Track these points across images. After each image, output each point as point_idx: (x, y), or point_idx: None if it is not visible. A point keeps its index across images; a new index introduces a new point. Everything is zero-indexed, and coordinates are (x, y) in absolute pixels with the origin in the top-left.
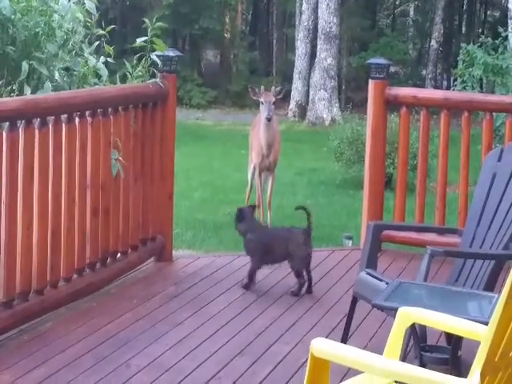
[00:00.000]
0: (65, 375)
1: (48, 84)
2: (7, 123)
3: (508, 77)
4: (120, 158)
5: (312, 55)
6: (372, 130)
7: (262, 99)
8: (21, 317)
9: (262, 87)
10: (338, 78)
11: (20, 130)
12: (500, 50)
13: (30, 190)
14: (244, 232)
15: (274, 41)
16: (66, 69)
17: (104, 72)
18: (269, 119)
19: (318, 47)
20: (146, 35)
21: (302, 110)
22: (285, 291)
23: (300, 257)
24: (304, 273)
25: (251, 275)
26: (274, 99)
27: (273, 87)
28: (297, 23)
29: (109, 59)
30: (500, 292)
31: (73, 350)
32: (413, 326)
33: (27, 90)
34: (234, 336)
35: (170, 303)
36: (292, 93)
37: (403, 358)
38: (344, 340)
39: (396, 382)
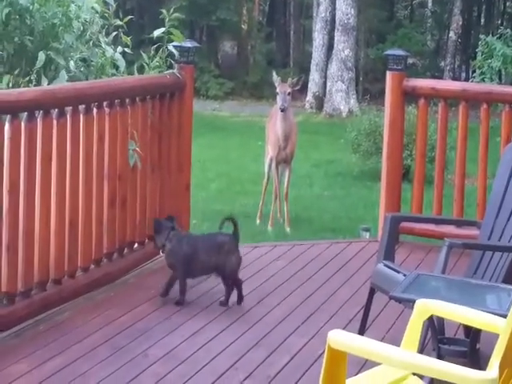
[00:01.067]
0: (81, 365)
1: (63, 73)
2: (25, 113)
3: None
4: (137, 149)
5: (329, 46)
6: (390, 122)
7: (277, 89)
8: (38, 306)
9: (279, 78)
10: (356, 70)
11: (38, 120)
12: None
13: (47, 180)
14: (161, 244)
15: (292, 32)
16: (84, 60)
17: (121, 63)
18: (282, 109)
19: (336, 38)
20: (163, 26)
21: (319, 101)
22: (300, 284)
23: (231, 264)
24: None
25: (182, 290)
26: (289, 90)
27: (289, 79)
28: (314, 14)
29: (126, 50)
30: None
31: (89, 340)
32: (430, 318)
33: (44, 80)
34: (249, 328)
35: (186, 294)
36: (309, 84)
37: (421, 351)
38: (361, 332)
39: (413, 374)
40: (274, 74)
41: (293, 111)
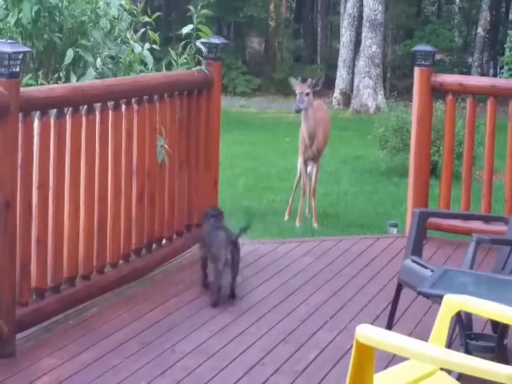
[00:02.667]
0: (110, 360)
1: (91, 70)
2: (55, 110)
3: None
4: (165, 146)
5: (357, 43)
6: (417, 118)
7: (297, 90)
8: (68, 301)
9: (298, 80)
10: (383, 66)
11: (67, 116)
12: None
13: (76, 176)
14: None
15: (319, 28)
16: (112, 57)
17: (150, 59)
18: (297, 111)
19: (363, 35)
20: (191, 23)
21: (347, 97)
22: (328, 279)
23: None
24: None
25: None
26: (308, 90)
27: (309, 79)
28: (341, 10)
29: (154, 46)
30: None
31: (118, 335)
32: (458, 313)
33: (73, 77)
34: (277, 323)
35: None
36: (336, 81)
37: (448, 346)
38: (389, 327)
39: (441, 369)
40: (292, 79)
41: (326, 108)
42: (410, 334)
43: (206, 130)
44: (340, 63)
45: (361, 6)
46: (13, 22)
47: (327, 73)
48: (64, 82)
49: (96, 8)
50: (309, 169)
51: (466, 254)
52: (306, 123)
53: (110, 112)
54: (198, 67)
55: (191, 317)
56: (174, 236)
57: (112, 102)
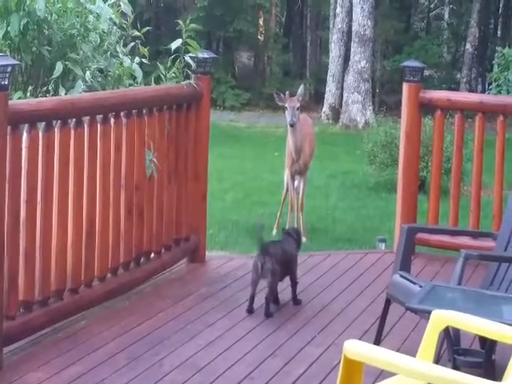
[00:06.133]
0: (98, 373)
1: (80, 83)
2: (43, 123)
3: None
4: (154, 160)
5: (346, 58)
6: (406, 133)
7: (286, 104)
8: (56, 315)
9: (287, 93)
10: (372, 81)
11: (56, 129)
12: None
13: (65, 190)
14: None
15: (308, 43)
16: (101, 70)
17: (139, 73)
18: (292, 125)
19: (352, 50)
20: (180, 37)
21: (336, 112)
22: (316, 294)
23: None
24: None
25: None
26: (298, 104)
27: (300, 87)
28: (331, 26)
29: (144, 60)
30: None
31: (106, 348)
32: (446, 329)
33: (62, 90)
34: (266, 337)
35: (203, 304)
36: (325, 95)
37: (436, 361)
38: (377, 342)
39: None
40: (277, 95)
41: (312, 123)
42: (398, 350)
43: (195, 143)
44: (329, 78)
45: (350, 21)
46: (1, 35)
47: (316, 87)
48: (53, 95)
49: (85, 22)
50: (296, 183)
51: (454, 269)
52: (293, 137)
53: (99, 125)
54: (187, 81)
55: (179, 331)
56: (163, 250)
57: (101, 116)
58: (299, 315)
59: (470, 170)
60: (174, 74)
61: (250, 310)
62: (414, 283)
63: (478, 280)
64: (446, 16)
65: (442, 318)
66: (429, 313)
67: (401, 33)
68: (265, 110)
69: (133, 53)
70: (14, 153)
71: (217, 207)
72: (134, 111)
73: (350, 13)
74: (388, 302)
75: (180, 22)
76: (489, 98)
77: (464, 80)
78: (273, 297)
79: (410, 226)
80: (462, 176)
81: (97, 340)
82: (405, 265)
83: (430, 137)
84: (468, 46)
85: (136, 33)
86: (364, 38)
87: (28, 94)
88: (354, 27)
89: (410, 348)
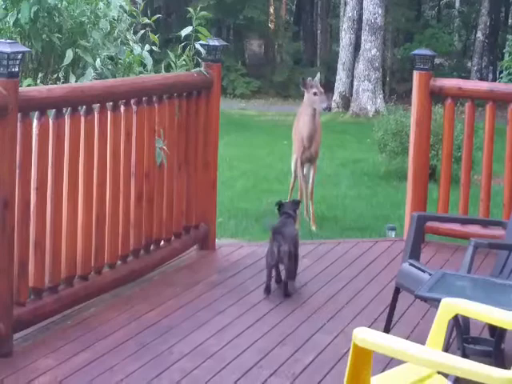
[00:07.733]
0: (108, 360)
1: (90, 70)
2: (53, 110)
3: None
4: (164, 147)
5: (356, 46)
6: (416, 122)
7: (315, 90)
8: (66, 302)
9: (315, 78)
10: (383, 69)
11: (66, 117)
12: None
13: (75, 177)
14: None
15: (319, 31)
16: (111, 57)
17: (149, 61)
18: (326, 108)
19: (363, 38)
20: (191, 24)
21: (346, 101)
22: (326, 282)
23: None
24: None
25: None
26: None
27: (317, 75)
28: (341, 14)
29: (154, 48)
30: None
31: (116, 336)
32: (456, 317)
33: (72, 78)
34: (275, 325)
35: (213, 291)
36: (336, 84)
37: (446, 350)
38: (386, 330)
39: (438, 372)
40: (303, 80)
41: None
42: (407, 338)
43: (205, 131)
44: (339, 66)
45: (361, 9)
46: (11, 22)
47: (327, 76)
48: (63, 83)
49: (96, 9)
50: (305, 171)
51: (463, 257)
52: (311, 124)
53: (109, 113)
54: (197, 69)
55: (189, 318)
56: (172, 237)
57: (111, 103)
58: (309, 303)
59: (480, 159)
60: (184, 62)
61: (268, 289)
62: (424, 271)
63: (487, 268)
64: (457, 4)
65: (451, 306)
66: (438, 301)
67: (411, 21)
68: (275, 98)
69: (143, 40)
70: (24, 140)
71: (226, 195)
72: (144, 99)
73: (360, 1)
74: (397, 291)
75: (190, 9)
76: (499, 87)
77: (475, 68)
78: (293, 277)
79: (420, 215)
80: (473, 164)
81: (106, 327)
82: (414, 253)
83: (440, 125)
84: (479, 34)
85: (146, 20)
86: (375, 27)
87: (38, 81)
88: (365, 15)
89: (419, 336)
